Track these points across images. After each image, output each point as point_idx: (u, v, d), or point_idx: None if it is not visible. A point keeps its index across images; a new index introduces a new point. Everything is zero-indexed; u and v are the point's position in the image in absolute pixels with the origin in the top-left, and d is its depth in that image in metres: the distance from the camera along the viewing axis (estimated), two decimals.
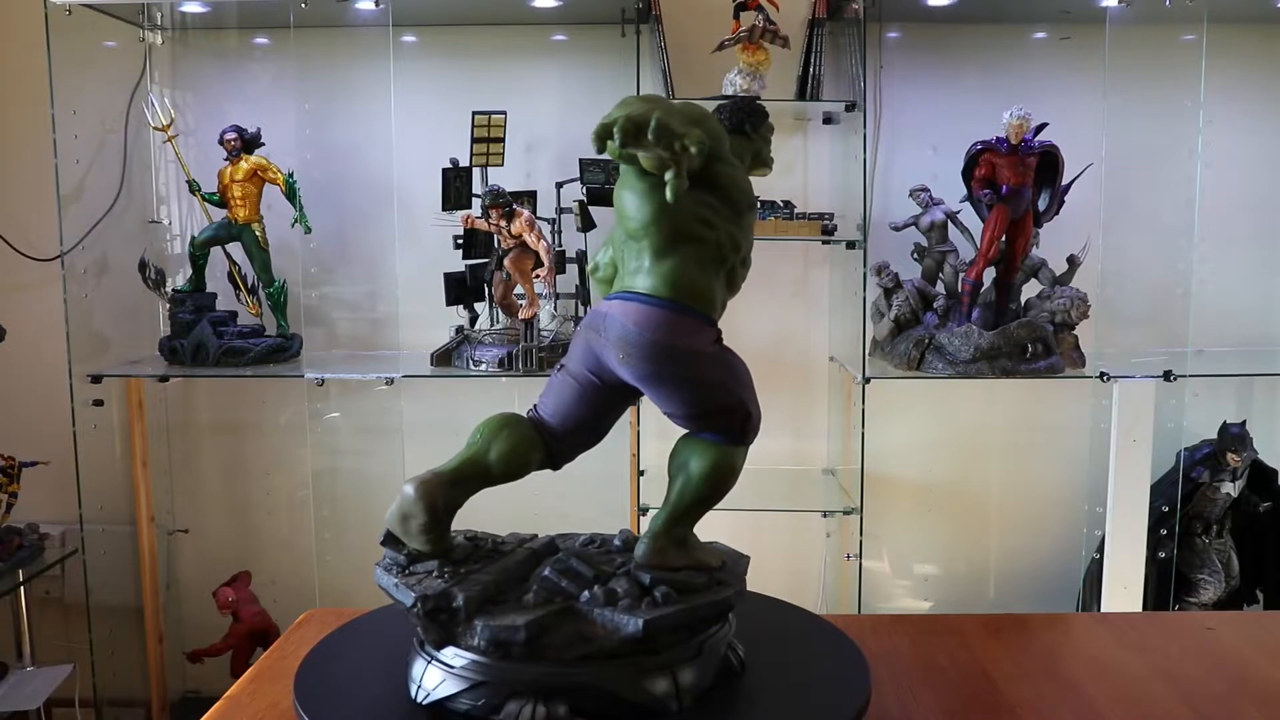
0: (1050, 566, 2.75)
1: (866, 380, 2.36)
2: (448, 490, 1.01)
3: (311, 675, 1.04)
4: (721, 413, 1.02)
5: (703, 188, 1.01)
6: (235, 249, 2.57)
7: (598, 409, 1.05)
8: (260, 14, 2.61)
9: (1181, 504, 2.44)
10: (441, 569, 0.98)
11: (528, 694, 0.91)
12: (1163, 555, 2.44)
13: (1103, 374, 2.37)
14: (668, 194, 0.94)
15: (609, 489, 2.48)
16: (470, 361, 2.42)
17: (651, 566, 1.00)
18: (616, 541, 1.08)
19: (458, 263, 2.52)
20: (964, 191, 2.43)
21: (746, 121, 1.09)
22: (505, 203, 2.33)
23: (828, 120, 2.65)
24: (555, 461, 1.08)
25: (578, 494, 2.40)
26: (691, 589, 0.98)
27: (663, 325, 0.98)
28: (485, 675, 0.92)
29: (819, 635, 1.16)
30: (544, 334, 2.45)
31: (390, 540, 1.01)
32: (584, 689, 0.91)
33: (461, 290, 2.53)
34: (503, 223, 2.36)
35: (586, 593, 0.96)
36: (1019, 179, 2.32)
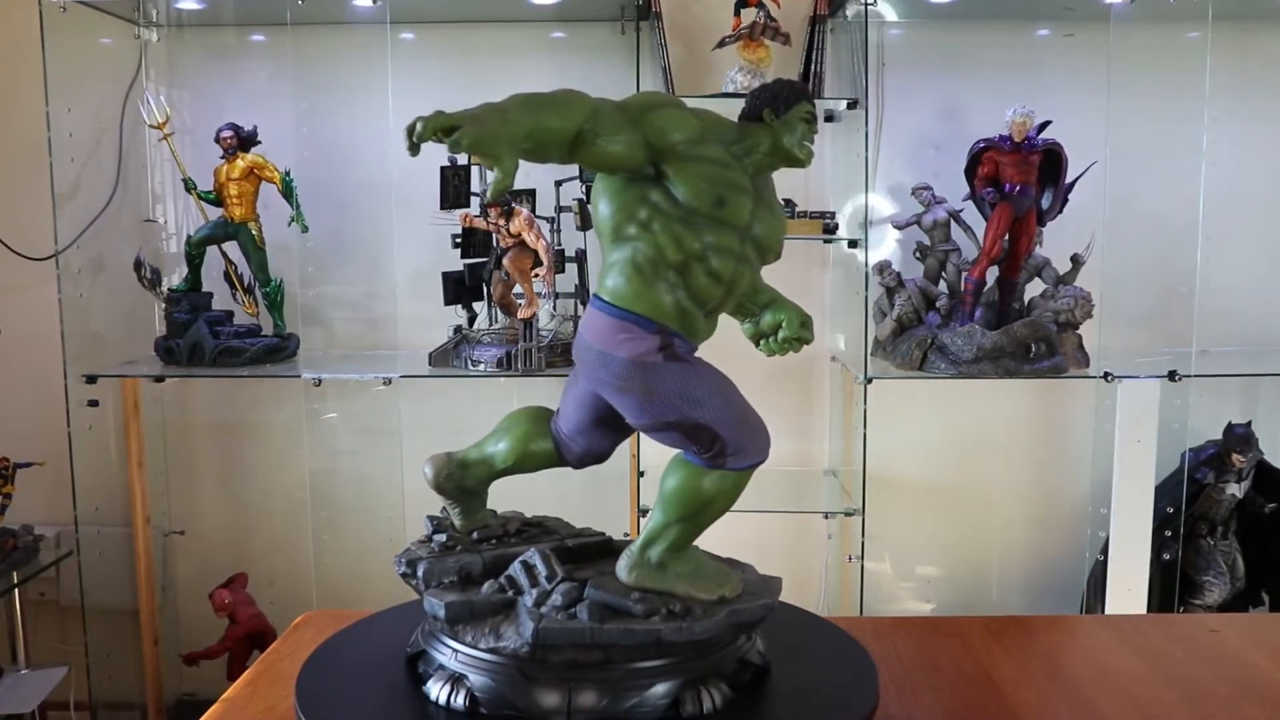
0: (1053, 568, 2.74)
1: (868, 380, 2.35)
2: (454, 469, 1.12)
3: (312, 680, 1.04)
4: (678, 429, 0.98)
5: (654, 186, 0.99)
6: (232, 248, 2.55)
7: (595, 413, 1.05)
8: (257, 10, 2.60)
9: (1186, 505, 2.43)
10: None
11: (445, 675, 0.98)
12: (1167, 557, 2.43)
13: (1106, 374, 2.35)
14: (488, 194, 0.93)
15: (609, 489, 2.47)
16: (469, 361, 2.41)
17: (628, 586, 0.99)
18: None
19: (456, 262, 2.50)
20: (967, 190, 2.42)
21: (767, 106, 1.04)
22: (504, 201, 2.31)
23: (829, 118, 2.63)
24: (568, 461, 1.10)
25: (577, 494, 2.38)
26: (643, 614, 0.95)
27: (598, 329, 0.99)
28: (430, 646, 1.02)
29: (826, 638, 1.15)
30: (543, 334, 2.43)
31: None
32: (486, 683, 0.96)
33: (460, 289, 2.51)
34: (501, 221, 2.34)
35: (532, 592, 0.98)
36: (1022, 177, 2.31)
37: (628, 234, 0.99)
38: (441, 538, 1.11)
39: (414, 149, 0.92)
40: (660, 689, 0.94)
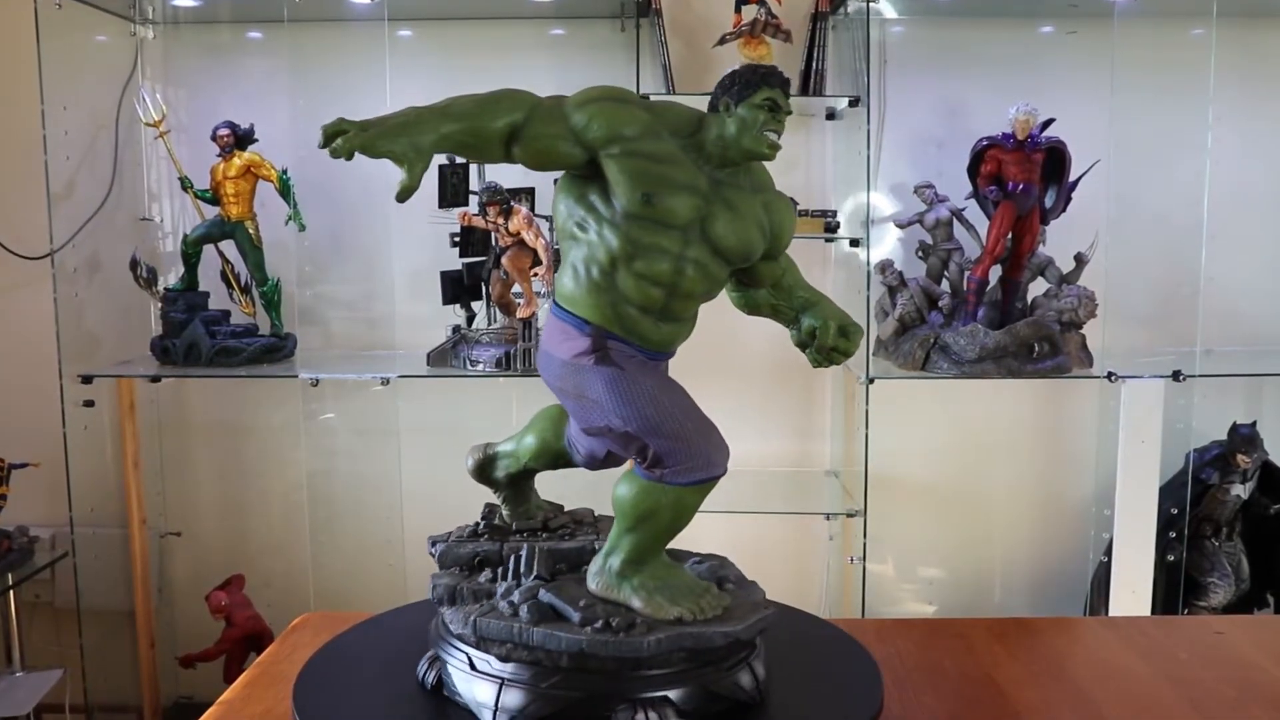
0: (1057, 569, 2.73)
1: (870, 380, 2.34)
2: (489, 461, 1.16)
3: (310, 685, 1.04)
4: (609, 436, 0.97)
5: (594, 185, 0.99)
6: (228, 247, 2.54)
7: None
8: (254, 7, 2.59)
9: (1191, 506, 2.42)
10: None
11: (429, 654, 1.04)
12: (1171, 558, 2.42)
13: (1110, 374, 2.34)
14: (396, 195, 0.93)
15: (608, 490, 2.45)
16: (467, 361, 2.40)
17: (590, 592, 0.99)
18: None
19: (454, 261, 2.49)
20: (969, 188, 2.41)
21: (725, 94, 1.00)
22: (503, 200, 2.30)
23: (830, 116, 2.62)
24: (577, 463, 1.11)
25: (576, 496, 2.36)
26: (579, 622, 0.94)
27: (547, 330, 1.02)
28: (432, 625, 1.07)
29: (828, 641, 1.15)
30: (542, 333, 2.41)
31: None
32: (447, 667, 1.00)
33: (458, 289, 2.50)
34: (500, 220, 2.32)
35: (504, 585, 1.02)
36: (1025, 175, 2.30)
37: (573, 234, 0.99)
38: (478, 525, 1.15)
39: (334, 154, 0.93)
40: (589, 700, 0.92)
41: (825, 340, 1.04)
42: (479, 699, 0.95)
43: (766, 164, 1.04)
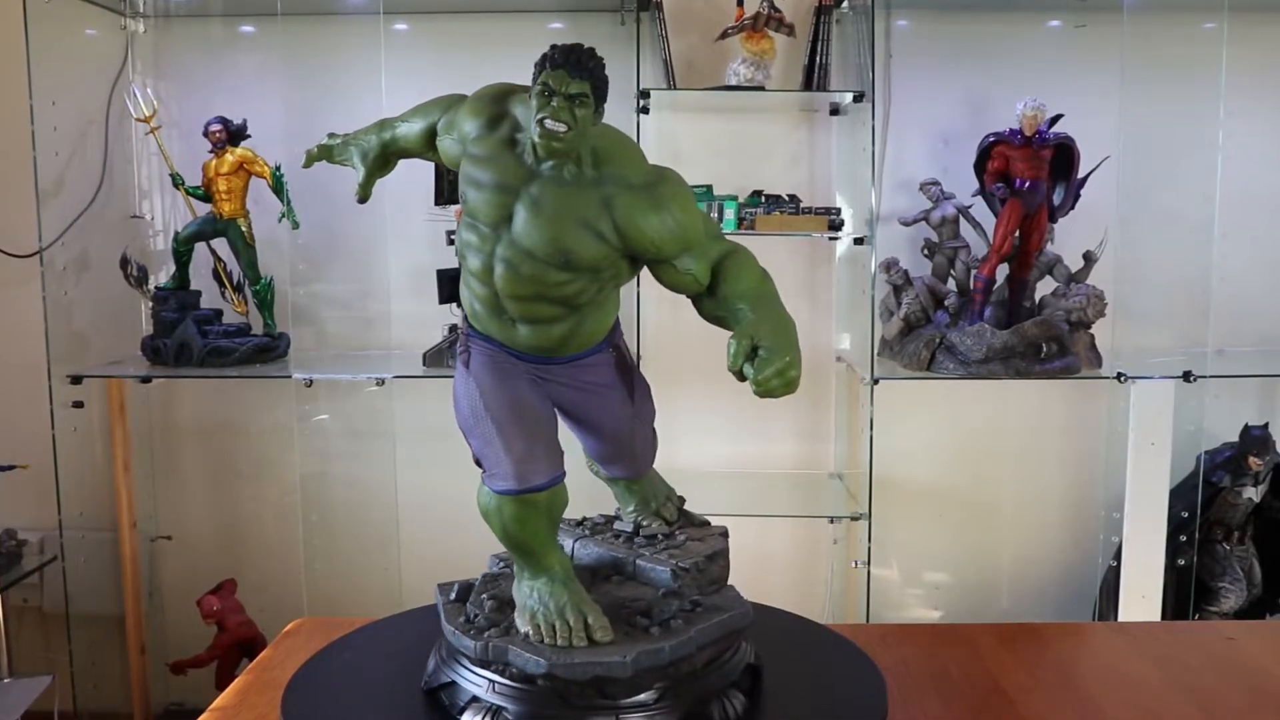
0: (1065, 574, 2.71)
1: (875, 381, 2.33)
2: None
3: (300, 692, 1.03)
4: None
5: None
6: (220, 245, 2.53)
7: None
8: (246, 1, 2.57)
9: (1202, 509, 2.41)
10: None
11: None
12: (1182, 562, 2.41)
13: (1120, 374, 2.33)
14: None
15: (606, 490, 2.42)
16: None
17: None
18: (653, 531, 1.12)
19: (451, 259, 2.44)
20: (976, 185, 2.41)
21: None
22: None
23: (835, 111, 2.60)
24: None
25: (574, 498, 2.34)
26: (481, 623, 0.97)
27: None
28: None
29: (832, 649, 1.15)
30: None
31: None
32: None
33: (455, 288, 2.44)
34: None
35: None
36: (1033, 172, 2.30)
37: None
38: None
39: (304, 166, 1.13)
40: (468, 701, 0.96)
41: (730, 364, 0.90)
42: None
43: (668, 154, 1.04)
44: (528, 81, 0.95)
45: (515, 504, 0.93)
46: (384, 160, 1.09)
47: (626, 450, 1.08)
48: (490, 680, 0.94)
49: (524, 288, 0.95)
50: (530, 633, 0.93)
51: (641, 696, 0.92)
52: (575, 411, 1.05)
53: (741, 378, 0.90)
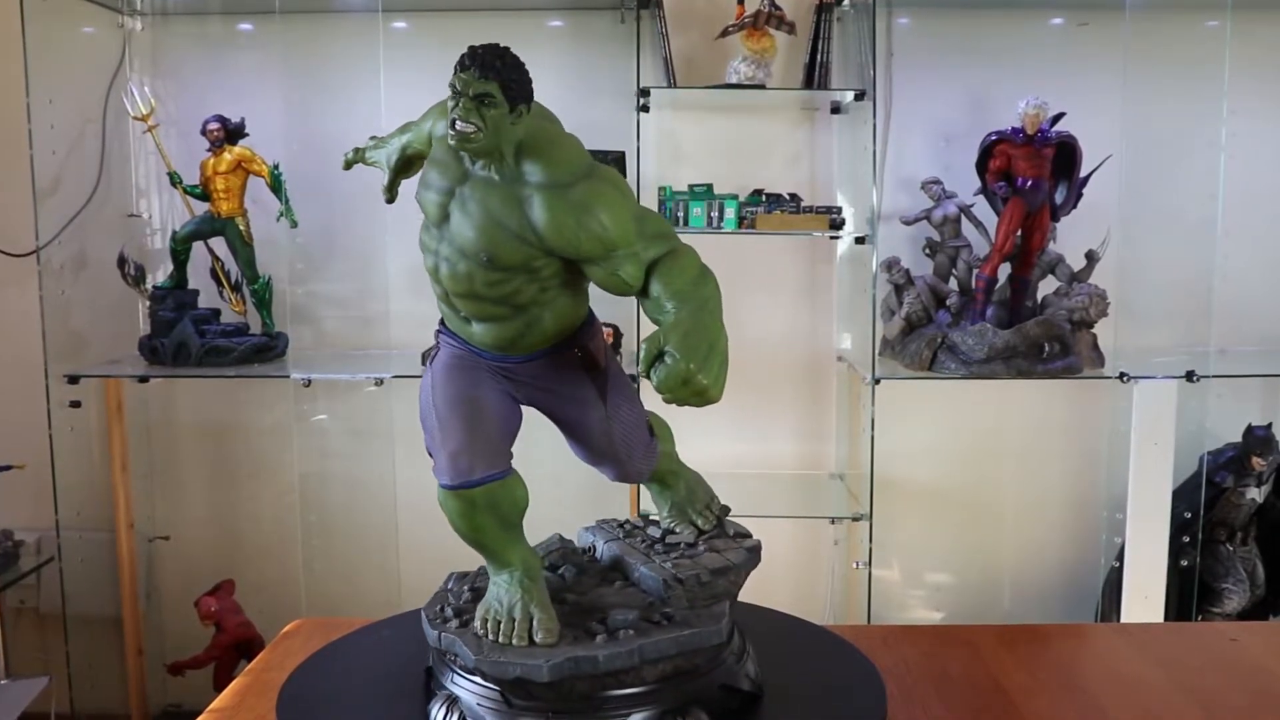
0: (1067, 575, 2.71)
1: (876, 381, 2.32)
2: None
3: (296, 694, 1.03)
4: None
5: None
6: (218, 244, 2.52)
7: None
8: None
9: (1205, 510, 2.40)
10: None
11: None
12: (1185, 563, 2.41)
13: (1122, 374, 2.33)
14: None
15: (608, 493, 2.41)
16: None
17: None
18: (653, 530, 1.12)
19: None
20: (978, 184, 2.40)
21: None
22: None
23: (836, 109, 2.60)
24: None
25: (575, 499, 2.33)
26: (456, 621, 0.98)
27: None
28: None
29: (830, 652, 1.14)
30: None
31: None
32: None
33: None
34: None
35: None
36: (1035, 171, 2.29)
37: None
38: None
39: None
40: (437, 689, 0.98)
41: (640, 368, 0.87)
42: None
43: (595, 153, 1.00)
44: None
45: (453, 498, 0.94)
46: (405, 163, 1.11)
47: (608, 453, 1.05)
48: (450, 671, 0.96)
49: (463, 286, 0.96)
50: (478, 626, 0.94)
51: (574, 703, 0.90)
52: (551, 413, 1.05)
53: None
